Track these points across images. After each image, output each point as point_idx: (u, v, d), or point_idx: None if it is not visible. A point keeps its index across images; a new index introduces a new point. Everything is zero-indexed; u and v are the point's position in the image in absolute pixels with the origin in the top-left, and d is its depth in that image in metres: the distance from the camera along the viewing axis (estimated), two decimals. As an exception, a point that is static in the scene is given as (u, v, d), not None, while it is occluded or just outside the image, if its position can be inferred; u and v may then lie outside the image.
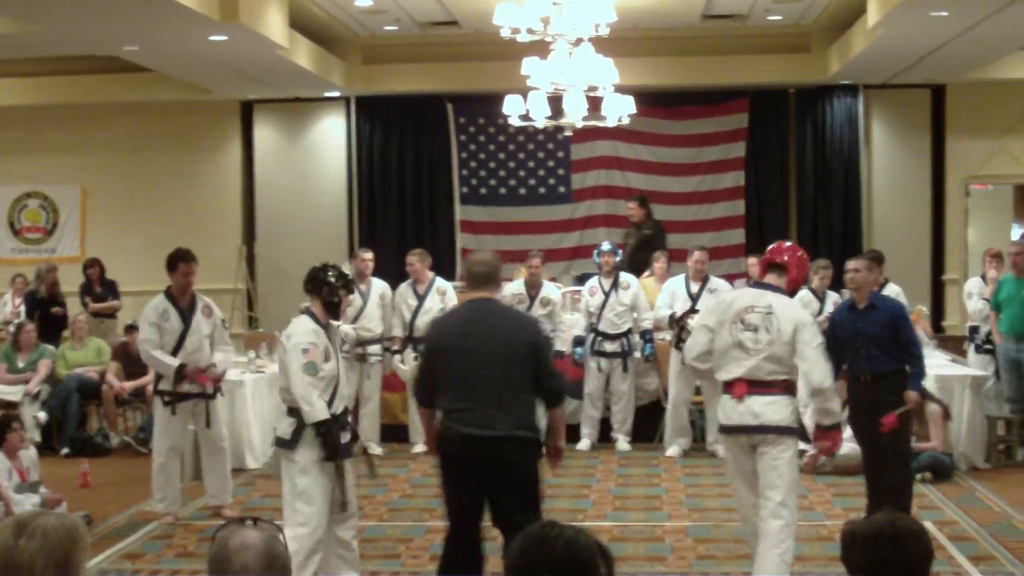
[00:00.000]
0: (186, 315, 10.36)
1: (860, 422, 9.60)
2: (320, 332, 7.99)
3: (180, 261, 10.34)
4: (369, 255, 13.59)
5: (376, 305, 13.31)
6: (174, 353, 10.29)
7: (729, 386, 7.98)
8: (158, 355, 10.29)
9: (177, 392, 10.33)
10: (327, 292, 8.03)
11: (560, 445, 7.56)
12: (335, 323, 8.31)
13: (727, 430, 8.06)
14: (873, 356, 9.35)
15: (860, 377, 9.47)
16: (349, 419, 8.15)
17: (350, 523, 8.09)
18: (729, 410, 7.98)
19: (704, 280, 13.23)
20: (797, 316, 7.98)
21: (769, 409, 7.86)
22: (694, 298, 13.10)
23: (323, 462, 7.84)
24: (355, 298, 12.91)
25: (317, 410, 7.84)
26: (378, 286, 13.44)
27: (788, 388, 7.95)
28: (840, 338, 9.50)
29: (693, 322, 12.75)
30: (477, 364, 7.13)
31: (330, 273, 8.10)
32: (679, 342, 12.83)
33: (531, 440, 7.22)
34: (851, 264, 9.82)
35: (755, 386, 7.89)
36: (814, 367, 7.86)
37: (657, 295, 14.92)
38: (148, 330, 10.31)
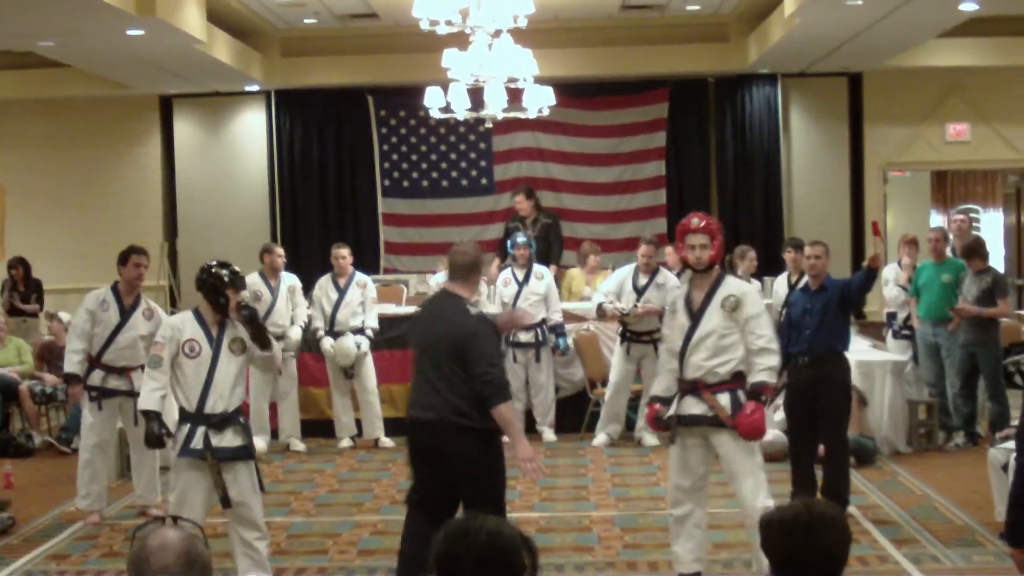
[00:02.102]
0: (125, 311, 10.29)
1: (800, 406, 9.71)
2: (188, 327, 7.92)
3: (132, 253, 10.32)
4: (280, 251, 13.46)
5: (286, 300, 13.18)
6: (105, 347, 10.21)
7: None
8: (74, 348, 10.24)
9: (104, 388, 10.25)
10: (209, 291, 7.97)
11: (517, 449, 7.44)
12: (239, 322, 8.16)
13: None
14: (812, 337, 9.50)
15: (799, 360, 9.65)
16: (242, 420, 7.97)
17: (251, 525, 7.91)
18: None
19: (653, 273, 13.09)
20: None
21: None
22: (640, 291, 12.92)
23: (185, 458, 7.81)
24: (265, 294, 12.92)
25: (142, 399, 8.09)
26: (288, 280, 13.30)
27: None
28: (793, 319, 9.83)
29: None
30: (425, 353, 7.44)
31: (214, 272, 8.01)
32: (625, 329, 12.92)
33: (465, 426, 7.21)
34: (809, 251, 10.09)
35: None
36: None
37: (583, 286, 14.99)
38: (81, 316, 10.27)
